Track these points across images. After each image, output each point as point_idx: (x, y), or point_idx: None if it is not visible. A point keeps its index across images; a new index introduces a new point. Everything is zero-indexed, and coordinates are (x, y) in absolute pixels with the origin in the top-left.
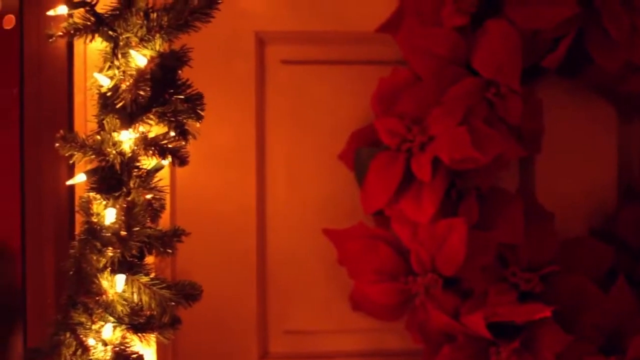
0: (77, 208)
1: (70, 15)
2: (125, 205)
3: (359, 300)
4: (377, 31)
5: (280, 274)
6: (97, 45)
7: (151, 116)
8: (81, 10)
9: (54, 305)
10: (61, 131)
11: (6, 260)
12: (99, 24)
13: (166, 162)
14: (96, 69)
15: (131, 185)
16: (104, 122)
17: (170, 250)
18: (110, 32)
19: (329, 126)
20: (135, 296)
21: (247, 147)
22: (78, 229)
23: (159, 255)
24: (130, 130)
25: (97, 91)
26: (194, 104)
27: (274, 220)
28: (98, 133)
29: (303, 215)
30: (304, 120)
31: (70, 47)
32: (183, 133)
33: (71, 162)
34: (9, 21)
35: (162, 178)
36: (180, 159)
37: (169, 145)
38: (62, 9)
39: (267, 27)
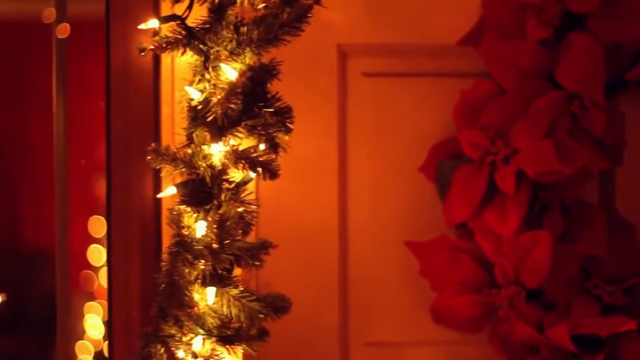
0: (167, 221)
1: (159, 29)
2: (217, 218)
3: (440, 312)
4: (458, 44)
5: (362, 285)
6: (185, 58)
7: (241, 129)
8: (172, 24)
9: (139, 317)
10: (153, 144)
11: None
12: (191, 38)
13: (253, 175)
14: (184, 81)
15: (222, 198)
16: (194, 135)
17: (257, 263)
18: (202, 46)
19: (410, 138)
20: (224, 308)
21: (329, 159)
22: (165, 241)
23: (246, 267)
24: (221, 143)
25: (187, 104)
26: (283, 117)
27: (355, 232)
28: (188, 146)
29: (384, 227)
30: (385, 132)
31: (156, 60)
32: (274, 146)
33: (162, 174)
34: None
35: (252, 191)
36: (271, 172)
37: (260, 159)
38: (153, 23)
39: (349, 39)
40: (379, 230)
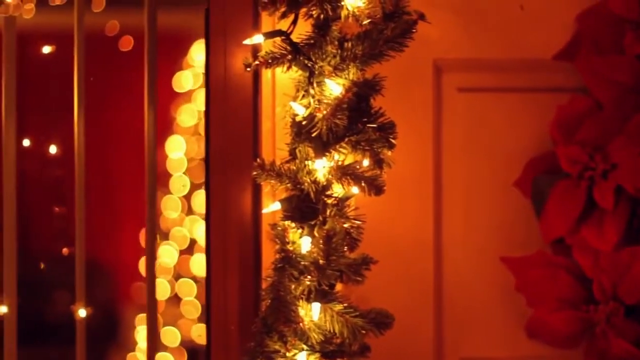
0: (268, 236)
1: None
2: (324, 234)
3: (536, 328)
4: (553, 58)
5: (456, 300)
6: (286, 73)
7: (345, 145)
8: (275, 39)
9: (237, 332)
10: (258, 160)
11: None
12: (296, 53)
13: (356, 191)
14: (285, 96)
15: (327, 213)
16: (297, 150)
17: (359, 278)
18: (306, 62)
19: (505, 153)
20: (328, 324)
21: (424, 174)
22: (265, 256)
23: (348, 283)
24: (325, 158)
25: (290, 119)
26: (387, 132)
27: (450, 247)
28: (291, 161)
29: (479, 242)
30: (479, 147)
31: (256, 75)
32: (379, 162)
33: (263, 190)
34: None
35: (357, 207)
36: (376, 188)
37: (365, 174)
38: (258, 38)
39: (445, 54)
40: (474, 245)
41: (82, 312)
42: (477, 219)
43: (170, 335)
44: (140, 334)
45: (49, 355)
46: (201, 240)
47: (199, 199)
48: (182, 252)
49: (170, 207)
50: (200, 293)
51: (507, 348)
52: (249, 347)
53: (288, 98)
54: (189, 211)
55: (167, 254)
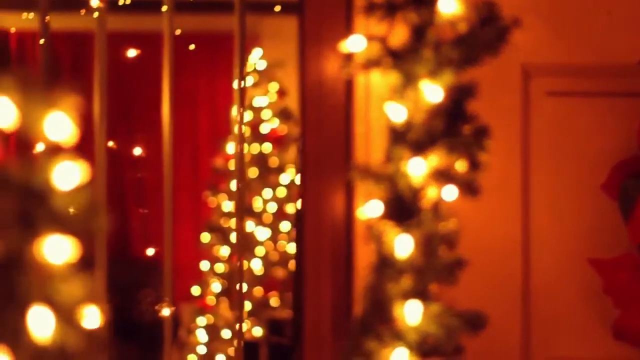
0: (363, 236)
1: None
2: (422, 235)
3: (623, 330)
4: (638, 64)
5: (544, 301)
6: (382, 77)
7: (441, 148)
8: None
9: (329, 332)
10: (355, 162)
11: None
12: (393, 58)
13: (453, 194)
14: (379, 100)
15: (425, 215)
16: (393, 153)
17: (453, 279)
18: (403, 66)
19: (592, 156)
20: (425, 324)
21: (512, 176)
22: (357, 256)
23: (443, 283)
24: (421, 161)
25: (387, 123)
26: (481, 136)
27: (537, 248)
28: (387, 163)
29: (566, 244)
30: (567, 150)
31: (349, 79)
32: (475, 165)
33: (358, 191)
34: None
35: (453, 208)
36: (473, 190)
37: (461, 177)
38: (356, 43)
39: (533, 59)
40: (561, 247)
41: (166, 311)
42: (565, 221)
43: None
44: (200, 333)
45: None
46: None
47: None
48: None
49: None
50: None
51: (593, 348)
52: (345, 346)
53: (382, 102)
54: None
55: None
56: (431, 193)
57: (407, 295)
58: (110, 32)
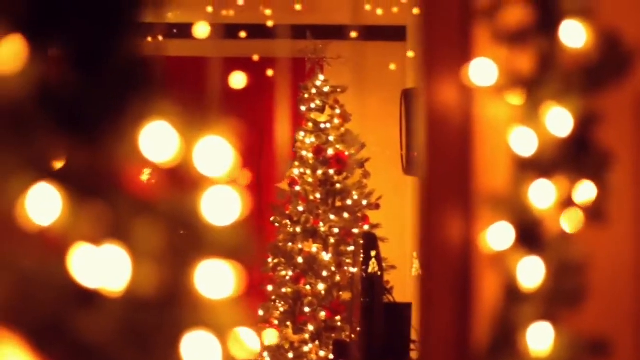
0: (492, 264)
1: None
2: (549, 262)
3: None
4: None
5: None
6: (503, 104)
7: (567, 173)
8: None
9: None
10: (478, 188)
11: None
12: (519, 85)
13: (577, 219)
14: (501, 127)
15: (552, 241)
16: (519, 179)
17: (579, 307)
18: (529, 93)
19: None
20: (553, 351)
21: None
22: (479, 283)
23: (568, 311)
24: (547, 187)
25: (512, 150)
26: (607, 161)
27: None
28: (512, 189)
29: None
30: None
31: (470, 103)
32: (602, 190)
33: (482, 217)
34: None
35: (581, 236)
36: (600, 217)
37: (588, 203)
38: (482, 68)
39: None
40: None
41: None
42: None
43: None
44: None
45: None
46: None
47: None
48: None
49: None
50: None
51: None
52: None
53: (506, 128)
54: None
55: None
56: (558, 219)
57: (535, 323)
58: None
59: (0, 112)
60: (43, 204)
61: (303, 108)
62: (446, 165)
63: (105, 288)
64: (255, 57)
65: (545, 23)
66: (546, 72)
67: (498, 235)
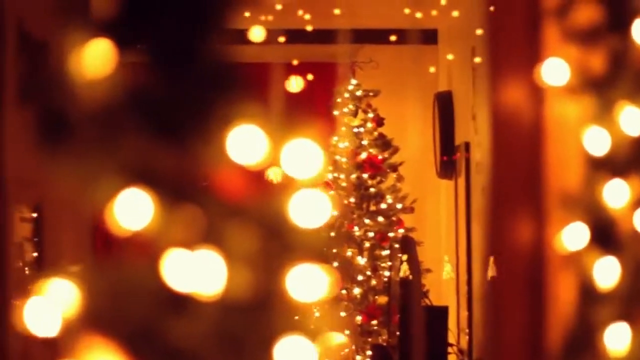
0: (565, 265)
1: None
2: (626, 261)
3: None
4: None
5: None
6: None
7: None
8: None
9: None
10: (550, 189)
11: None
12: (591, 85)
13: None
14: (573, 127)
15: (629, 240)
16: (593, 179)
17: None
18: (602, 92)
19: None
20: (630, 352)
21: None
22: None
23: None
24: (622, 186)
25: (584, 150)
26: None
27: None
28: (586, 190)
29: None
30: None
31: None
32: None
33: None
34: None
35: None
36: None
37: None
38: (557, 67)
39: None
40: None
41: None
42: None
43: None
44: None
45: None
46: None
47: None
48: None
49: None
50: None
51: None
52: None
53: (577, 128)
54: None
55: None
56: (632, 218)
57: (612, 324)
58: None
59: (91, 115)
60: (134, 209)
61: (336, 112)
62: (517, 167)
63: (200, 292)
64: (295, 62)
65: (617, 21)
66: (618, 70)
67: (572, 236)
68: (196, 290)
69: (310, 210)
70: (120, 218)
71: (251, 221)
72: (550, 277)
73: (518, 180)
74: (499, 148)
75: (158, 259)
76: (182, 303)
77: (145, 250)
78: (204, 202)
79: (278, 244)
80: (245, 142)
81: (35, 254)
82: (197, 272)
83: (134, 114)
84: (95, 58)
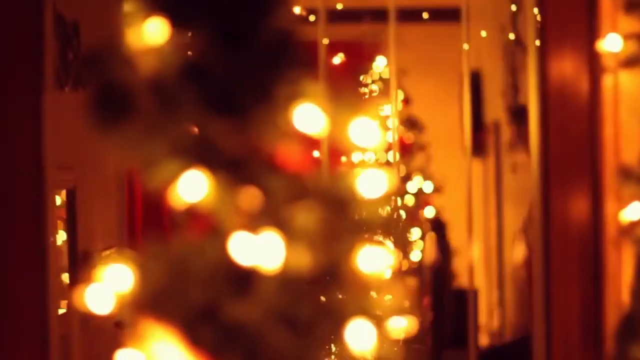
0: (627, 240)
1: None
2: None
3: None
4: None
5: None
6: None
7: None
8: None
9: (578, 341)
10: (607, 164)
11: None
12: None
13: None
14: (630, 100)
15: None
16: None
17: None
18: None
19: None
20: None
21: None
22: (606, 260)
23: None
24: None
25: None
26: None
27: None
28: None
29: None
30: None
31: (595, 80)
32: None
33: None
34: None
35: None
36: None
37: None
38: (613, 42)
39: None
40: None
41: None
42: None
43: None
44: None
45: None
46: None
47: None
48: None
49: None
50: None
51: None
52: (608, 353)
53: (634, 102)
54: None
55: None
56: None
57: None
58: None
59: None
60: (196, 186)
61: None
62: (572, 141)
63: (262, 268)
64: (325, 41)
65: None
66: None
67: (631, 212)
68: (259, 266)
69: (372, 187)
70: (183, 196)
71: (316, 197)
72: (607, 255)
73: (574, 154)
74: (554, 122)
75: (220, 236)
76: (244, 281)
77: (206, 227)
78: (267, 178)
79: (343, 220)
80: (308, 119)
81: (65, 238)
82: (259, 250)
83: (194, 91)
84: (153, 33)
